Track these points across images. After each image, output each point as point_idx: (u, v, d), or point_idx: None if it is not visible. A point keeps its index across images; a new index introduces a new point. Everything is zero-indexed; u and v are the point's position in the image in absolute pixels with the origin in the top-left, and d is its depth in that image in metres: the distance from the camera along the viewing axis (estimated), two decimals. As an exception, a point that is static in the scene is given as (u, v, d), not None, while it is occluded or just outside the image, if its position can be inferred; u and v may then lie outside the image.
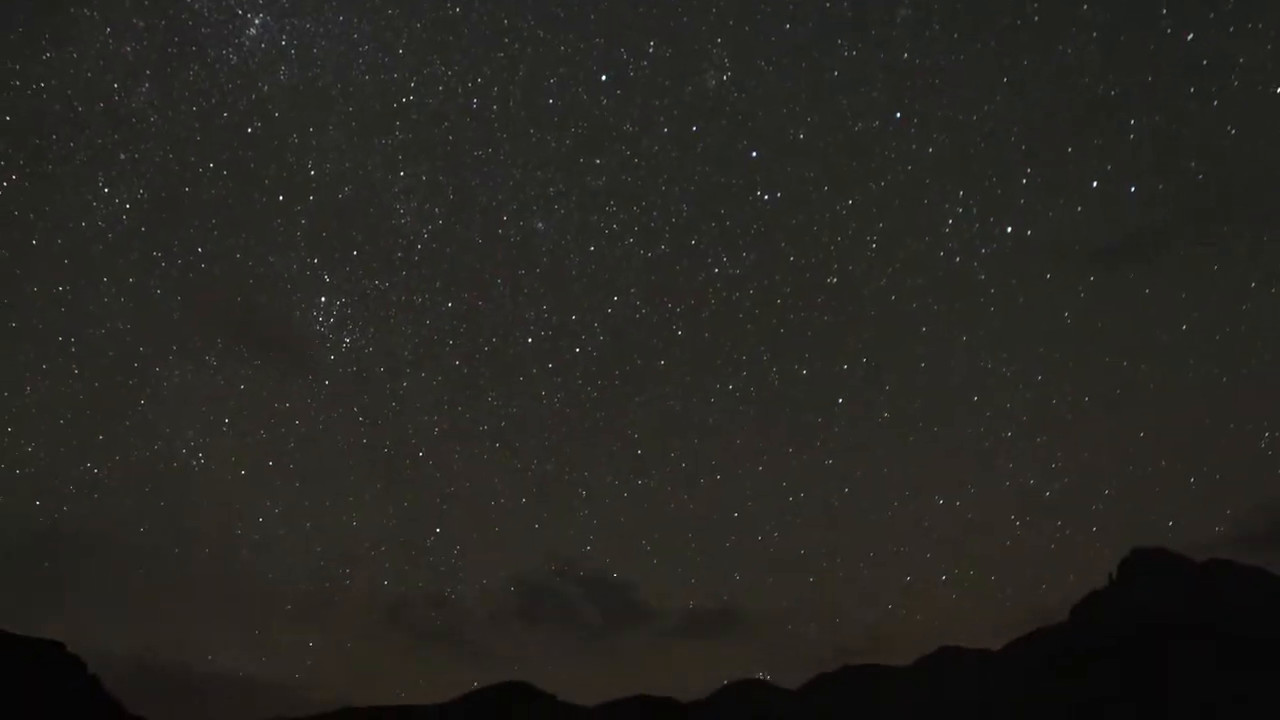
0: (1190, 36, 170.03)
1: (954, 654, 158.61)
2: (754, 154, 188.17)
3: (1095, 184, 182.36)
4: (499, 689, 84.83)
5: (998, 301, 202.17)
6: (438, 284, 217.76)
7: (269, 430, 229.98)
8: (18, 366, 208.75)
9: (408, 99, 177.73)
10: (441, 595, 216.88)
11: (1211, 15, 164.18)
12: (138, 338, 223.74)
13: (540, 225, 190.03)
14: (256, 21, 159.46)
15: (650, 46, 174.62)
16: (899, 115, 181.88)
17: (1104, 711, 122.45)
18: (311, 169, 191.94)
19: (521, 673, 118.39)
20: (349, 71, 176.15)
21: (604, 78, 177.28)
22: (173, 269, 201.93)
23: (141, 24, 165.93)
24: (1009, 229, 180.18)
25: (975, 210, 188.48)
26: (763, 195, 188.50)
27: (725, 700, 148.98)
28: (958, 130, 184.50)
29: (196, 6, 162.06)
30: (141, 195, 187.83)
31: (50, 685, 78.51)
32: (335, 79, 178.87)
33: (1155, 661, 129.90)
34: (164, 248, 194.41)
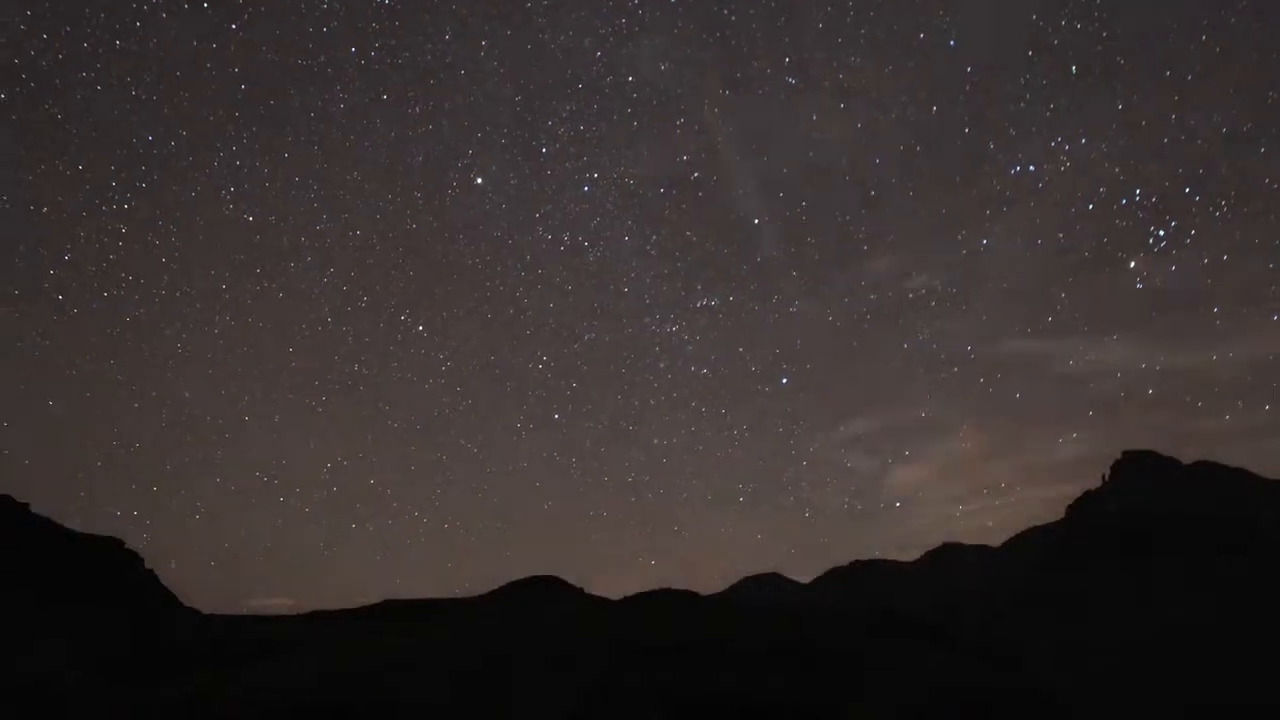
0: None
1: (957, 550, 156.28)
2: None
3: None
4: (529, 582, 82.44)
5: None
6: None
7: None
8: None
9: None
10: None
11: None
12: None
13: None
14: None
15: None
16: None
17: (1097, 603, 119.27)
18: None
19: (551, 568, 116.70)
20: None
21: None
22: None
23: None
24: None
25: None
26: None
27: (743, 592, 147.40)
28: None
29: None
30: None
31: (109, 580, 76.42)
32: None
33: (1145, 556, 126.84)
34: None
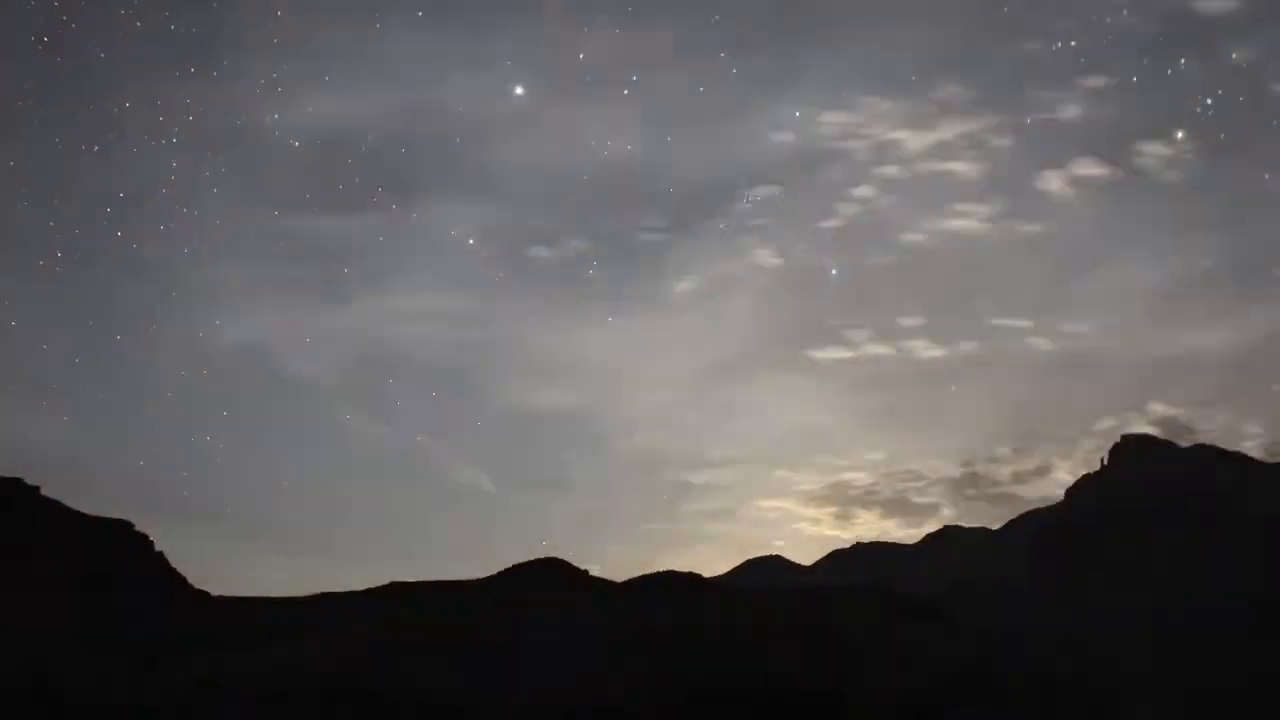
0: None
1: (957, 533, 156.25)
2: None
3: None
4: (535, 565, 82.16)
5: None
6: None
7: None
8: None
9: None
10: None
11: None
12: None
13: None
14: None
15: None
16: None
17: (1096, 586, 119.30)
18: None
19: (556, 550, 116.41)
20: None
21: None
22: None
23: None
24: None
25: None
26: None
27: (745, 575, 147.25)
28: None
29: None
30: None
31: (119, 562, 76.33)
32: None
33: (1144, 539, 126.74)
34: None
